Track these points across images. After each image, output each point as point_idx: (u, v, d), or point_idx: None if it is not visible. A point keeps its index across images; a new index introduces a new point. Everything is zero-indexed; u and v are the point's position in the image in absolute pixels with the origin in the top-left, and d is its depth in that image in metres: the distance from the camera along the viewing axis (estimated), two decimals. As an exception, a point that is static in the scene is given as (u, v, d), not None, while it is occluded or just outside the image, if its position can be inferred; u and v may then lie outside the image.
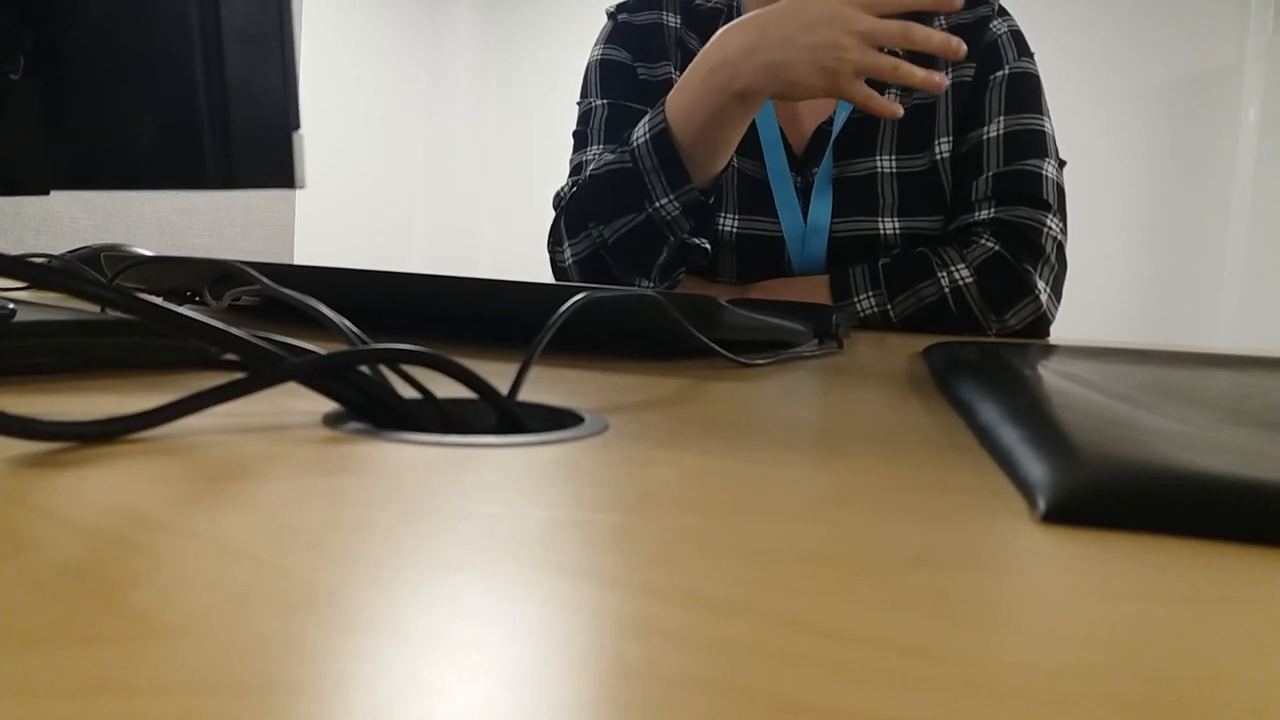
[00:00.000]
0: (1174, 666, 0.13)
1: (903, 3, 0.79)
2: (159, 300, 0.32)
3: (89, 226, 2.12)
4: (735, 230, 1.02)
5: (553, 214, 1.04)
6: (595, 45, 1.07)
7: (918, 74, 0.79)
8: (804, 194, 1.01)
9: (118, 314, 0.26)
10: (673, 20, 1.06)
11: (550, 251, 0.99)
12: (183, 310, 0.25)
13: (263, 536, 0.16)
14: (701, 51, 0.85)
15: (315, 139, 3.83)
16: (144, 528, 0.17)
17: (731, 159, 1.01)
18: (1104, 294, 3.20)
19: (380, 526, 0.17)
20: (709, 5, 1.08)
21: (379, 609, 0.13)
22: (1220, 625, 0.14)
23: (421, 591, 0.14)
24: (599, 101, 1.04)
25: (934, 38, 0.79)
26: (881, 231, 0.98)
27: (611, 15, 1.08)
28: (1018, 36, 1.02)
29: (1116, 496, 0.19)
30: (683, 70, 1.01)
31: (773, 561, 0.16)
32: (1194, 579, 0.17)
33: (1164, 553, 0.18)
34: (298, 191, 3.38)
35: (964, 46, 0.80)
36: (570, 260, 0.94)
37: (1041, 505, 0.20)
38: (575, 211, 0.94)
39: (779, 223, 1.01)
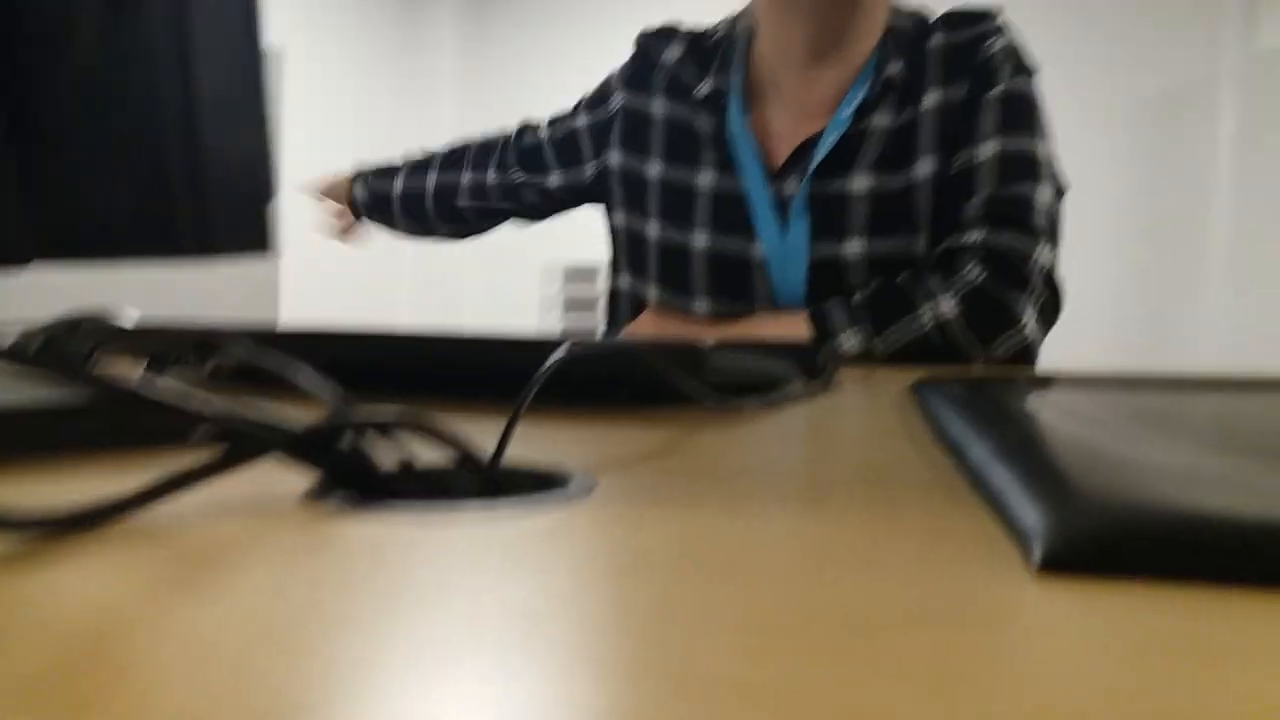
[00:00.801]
0: (1181, 733, 0.12)
1: None
2: (136, 374, 0.32)
3: (76, 289, 2.12)
4: (707, 248, 1.03)
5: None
6: (619, 67, 1.18)
7: None
8: (780, 210, 1.01)
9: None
10: (673, 53, 1.11)
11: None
12: (153, 388, 0.24)
13: (239, 635, 0.16)
14: None
15: (298, 197, 3.84)
16: (118, 627, 0.16)
17: (704, 174, 1.04)
18: (1087, 310, 3.22)
19: (360, 617, 0.17)
20: (713, 35, 1.11)
21: (357, 713, 0.13)
22: (1234, 683, 0.14)
23: (404, 692, 0.14)
24: (578, 110, 1.20)
25: None
26: (847, 254, 0.98)
27: (635, 41, 1.17)
28: (1015, 54, 0.99)
29: (1113, 543, 0.19)
30: (670, 99, 1.09)
31: (768, 631, 0.16)
32: (1201, 631, 0.16)
33: (1167, 602, 0.18)
34: (283, 249, 3.38)
35: None
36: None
37: (1037, 555, 0.19)
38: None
39: (753, 242, 1.01)
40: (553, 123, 1.21)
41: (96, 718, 0.13)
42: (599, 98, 1.17)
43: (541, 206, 1.23)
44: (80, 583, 0.19)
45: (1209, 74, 3.23)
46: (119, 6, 0.25)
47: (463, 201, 1.24)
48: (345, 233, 1.35)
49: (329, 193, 1.35)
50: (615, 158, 1.12)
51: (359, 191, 1.32)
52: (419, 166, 1.28)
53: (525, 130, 1.23)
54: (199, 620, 0.17)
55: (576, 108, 1.19)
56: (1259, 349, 2.90)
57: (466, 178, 1.23)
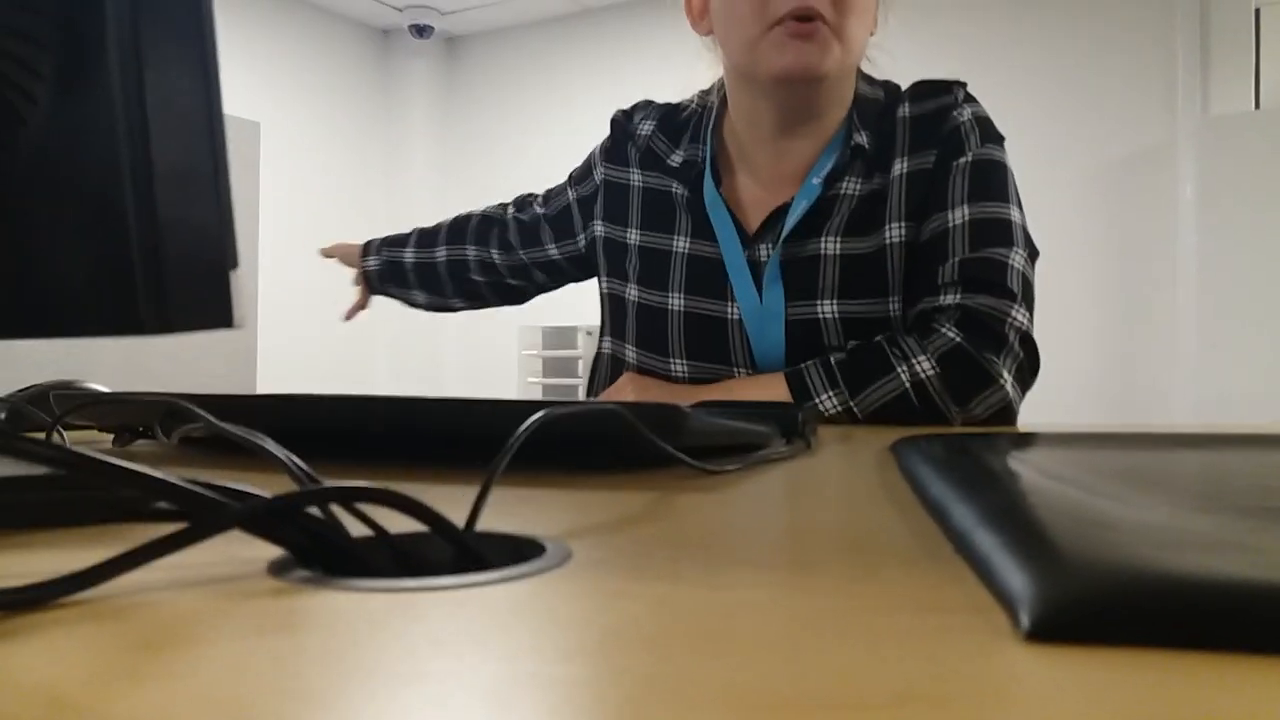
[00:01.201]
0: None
1: None
2: (103, 444, 0.31)
3: (49, 359, 2.09)
4: (683, 310, 1.05)
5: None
6: (600, 144, 1.23)
7: None
8: (756, 274, 1.02)
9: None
10: (646, 127, 1.16)
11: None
12: (114, 460, 0.23)
13: (194, 715, 0.15)
14: None
15: (277, 259, 3.84)
16: (60, 713, 0.15)
17: (680, 240, 1.07)
18: (1058, 372, 3.25)
19: (323, 696, 0.16)
20: (687, 108, 1.14)
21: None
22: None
23: (361, 779, 0.13)
24: (569, 185, 1.23)
25: None
26: (820, 315, 0.99)
27: (612, 120, 1.21)
28: (983, 123, 1.01)
29: (1103, 609, 0.18)
30: (643, 169, 1.16)
31: (748, 710, 0.15)
32: (1194, 698, 0.16)
33: (1156, 670, 0.17)
34: (260, 313, 3.37)
35: None
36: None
37: (1025, 623, 0.19)
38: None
39: (728, 304, 1.02)
40: (548, 198, 1.25)
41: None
42: (584, 172, 1.21)
43: (552, 280, 1.28)
44: (33, 660, 0.18)
45: (1166, 139, 3.32)
46: (72, 80, 0.25)
47: (476, 276, 1.28)
48: (358, 305, 1.36)
49: (341, 259, 1.37)
50: (599, 229, 1.16)
51: (372, 262, 1.33)
52: (427, 237, 1.30)
53: (524, 206, 1.26)
54: (152, 699, 0.16)
55: (567, 182, 1.24)
56: (1228, 403, 2.92)
57: (472, 252, 1.26)
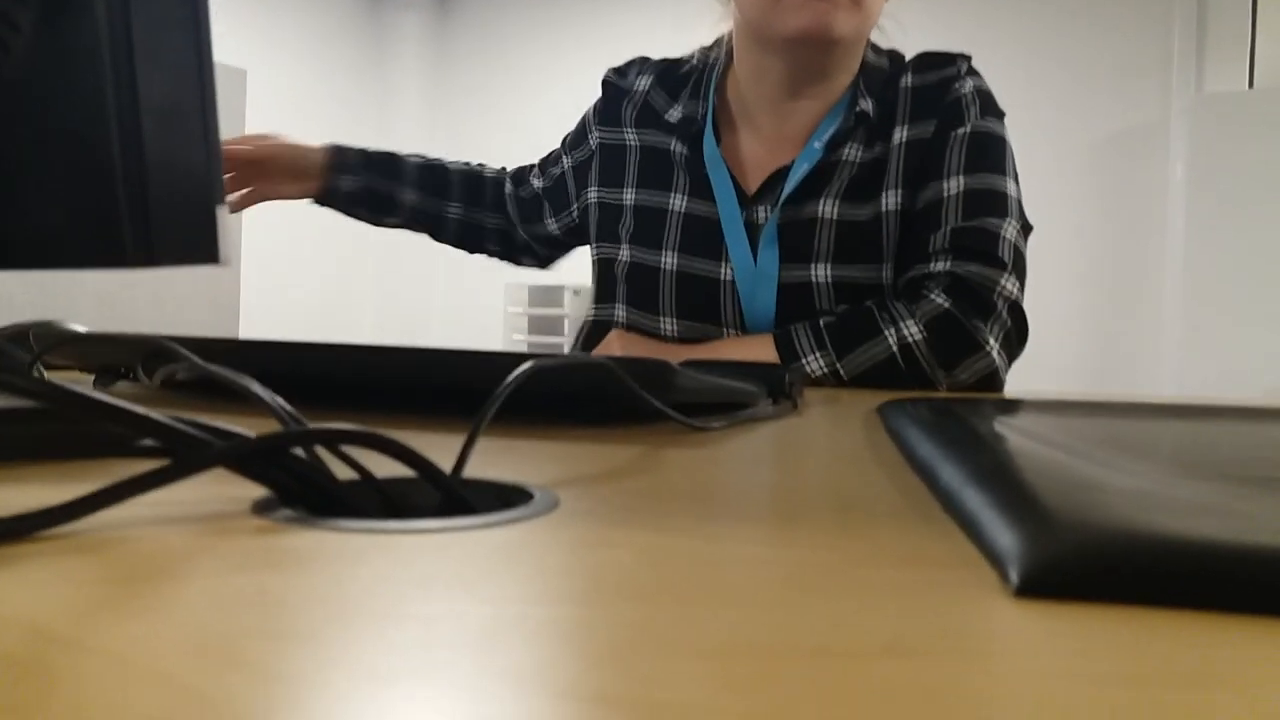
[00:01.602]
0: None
1: None
2: (81, 384, 0.30)
3: (26, 302, 2.07)
4: (675, 268, 1.04)
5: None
6: (593, 105, 1.20)
7: None
8: (752, 236, 1.01)
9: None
10: (642, 84, 1.13)
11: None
12: (98, 395, 0.23)
13: (176, 650, 0.15)
14: None
15: (261, 207, 3.80)
16: (42, 645, 0.15)
17: (676, 197, 1.06)
18: (1046, 346, 3.27)
19: (307, 634, 0.16)
20: (685, 64, 1.12)
21: (298, 737, 0.12)
22: (1212, 707, 0.13)
23: (348, 714, 0.13)
24: (564, 151, 1.20)
25: None
26: (814, 279, 0.99)
27: (602, 82, 1.18)
28: (984, 96, 1.01)
29: (1092, 567, 0.18)
30: (639, 127, 1.12)
31: (733, 657, 0.15)
32: (1179, 655, 0.16)
33: (1143, 627, 0.17)
34: (243, 260, 3.34)
35: None
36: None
37: (1014, 579, 0.19)
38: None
39: (721, 264, 1.02)
40: (544, 169, 1.22)
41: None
42: (579, 137, 1.19)
43: (551, 254, 1.27)
44: (14, 592, 0.17)
45: (1160, 116, 3.31)
46: (58, 8, 0.24)
47: (491, 245, 1.26)
48: (256, 198, 1.16)
49: (278, 155, 1.14)
50: (593, 195, 1.15)
51: (348, 182, 1.16)
52: (433, 181, 1.21)
53: (522, 181, 1.23)
54: (134, 633, 0.15)
55: (562, 149, 1.20)
56: (1213, 379, 2.95)
57: (491, 221, 1.22)
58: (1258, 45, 3.28)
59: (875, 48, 1.07)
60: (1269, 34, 3.26)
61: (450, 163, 1.25)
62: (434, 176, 1.23)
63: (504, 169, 1.27)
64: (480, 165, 1.27)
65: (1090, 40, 3.42)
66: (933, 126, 0.99)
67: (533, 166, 1.24)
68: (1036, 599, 0.19)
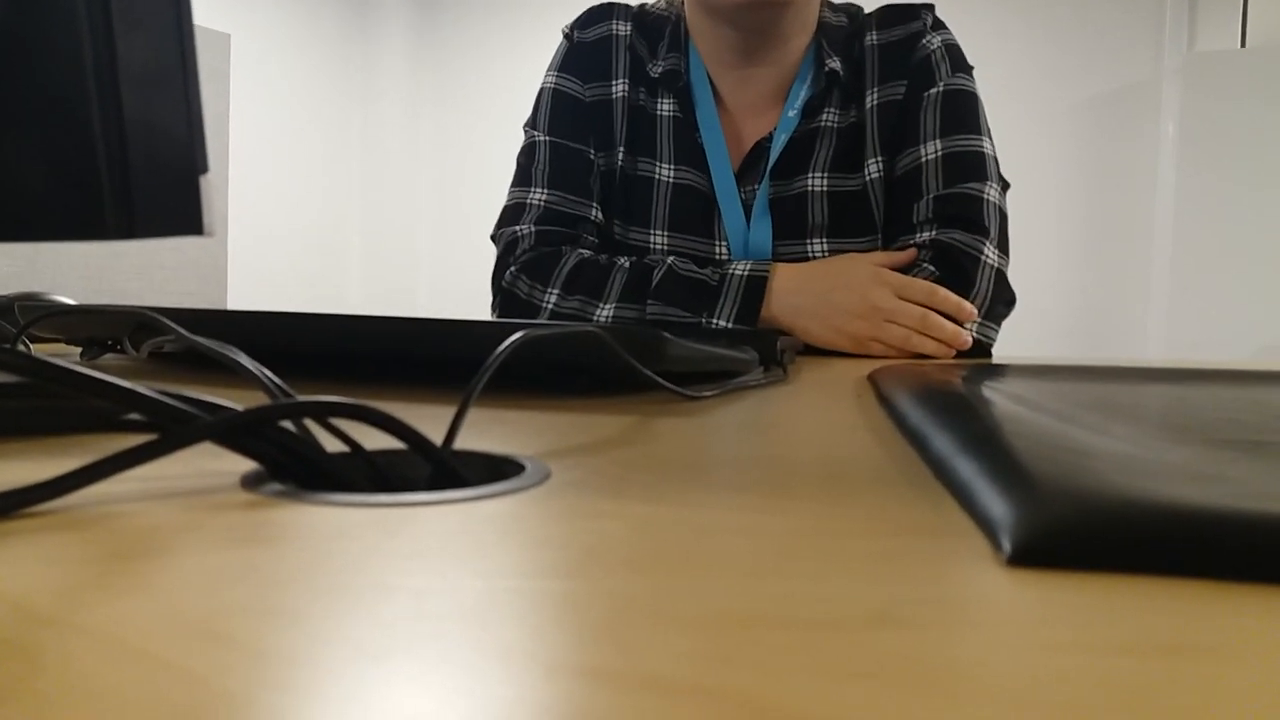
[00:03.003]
0: (1167, 735, 0.12)
1: (930, 299, 0.88)
2: (63, 358, 0.30)
3: (12, 274, 2.05)
4: (664, 248, 1.01)
5: (493, 244, 1.03)
6: (549, 69, 1.06)
7: (941, 336, 0.88)
8: (744, 210, 1.00)
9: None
10: (622, 29, 1.05)
11: (514, 281, 0.97)
12: (83, 369, 0.23)
13: (162, 628, 0.15)
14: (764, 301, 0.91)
15: (247, 176, 3.77)
16: (26, 623, 0.15)
17: (664, 166, 1.01)
18: (1033, 308, 3.28)
19: (295, 610, 0.16)
20: (656, 13, 1.08)
21: (289, 714, 0.12)
22: (1207, 675, 0.14)
23: (340, 689, 0.12)
24: (543, 137, 1.03)
25: (946, 329, 0.87)
26: (810, 254, 0.98)
27: (566, 35, 1.07)
28: (953, 51, 0.99)
29: (1085, 535, 0.18)
30: (630, 79, 1.01)
31: (726, 628, 0.15)
32: (1173, 623, 0.16)
33: (1137, 595, 0.17)
34: (231, 231, 3.31)
35: (969, 341, 0.88)
36: (551, 305, 0.95)
37: (1007, 547, 0.19)
38: (591, 277, 0.94)
39: (714, 244, 1.00)
40: (587, 190, 1.02)
41: (9, 709, 0.12)
42: (578, 119, 1.03)
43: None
44: (-9, 577, 0.17)
45: (1151, 75, 3.29)
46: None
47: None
48: None
49: None
50: (600, 163, 1.04)
51: None
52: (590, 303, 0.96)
53: (590, 231, 1.02)
54: (121, 610, 0.15)
55: (577, 144, 1.03)
56: (1201, 342, 2.96)
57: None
58: (1250, 4, 3.25)
59: (830, 4, 1.05)
60: (1261, -7, 3.24)
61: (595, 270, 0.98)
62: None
63: (593, 238, 1.04)
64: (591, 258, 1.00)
65: None
66: (904, 87, 0.98)
67: (585, 219, 1.02)
68: (1029, 567, 0.19)
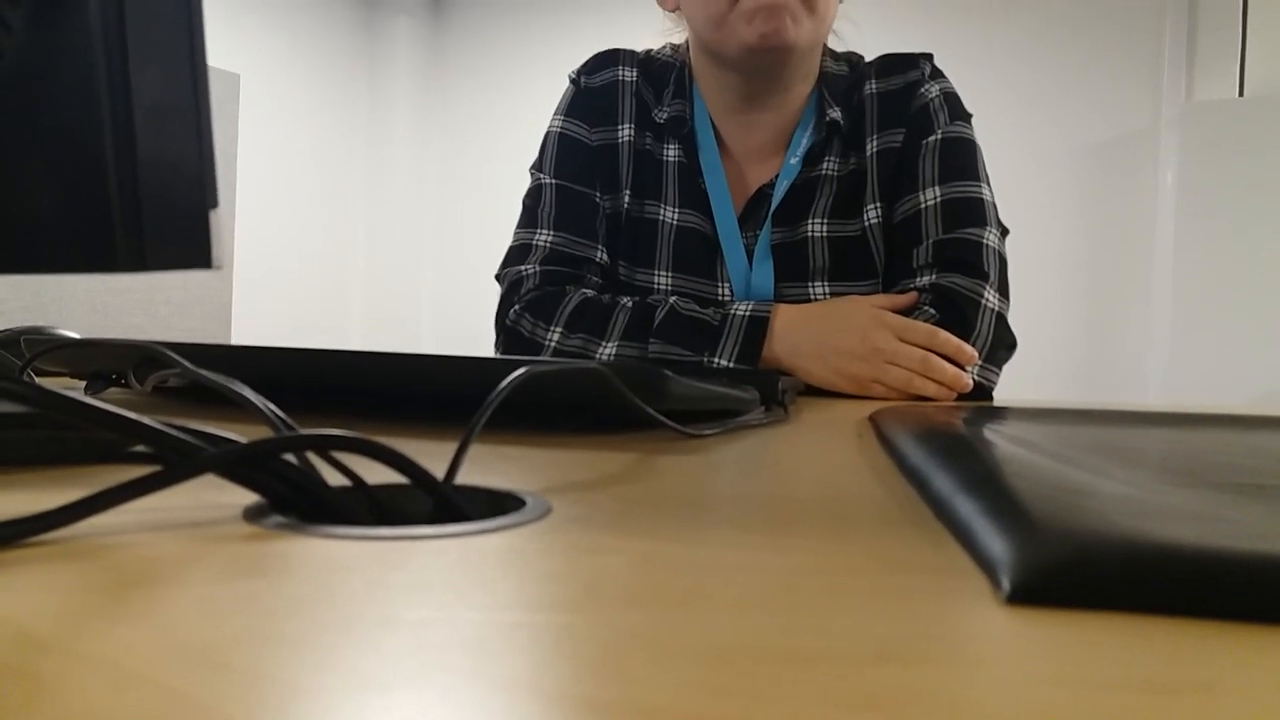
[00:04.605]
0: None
1: (931, 342, 0.88)
2: (72, 390, 0.30)
3: (18, 307, 2.06)
4: (669, 289, 1.02)
5: (497, 284, 1.04)
6: (556, 113, 1.07)
7: (942, 379, 0.88)
8: (746, 255, 1.01)
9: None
10: (629, 75, 1.06)
11: (518, 319, 0.98)
12: (89, 400, 0.23)
13: (164, 656, 0.15)
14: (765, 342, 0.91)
15: (254, 213, 3.80)
16: (29, 651, 0.15)
17: (668, 209, 1.02)
18: (1034, 353, 3.28)
19: (296, 640, 0.16)
20: (661, 59, 1.09)
21: (288, 744, 0.12)
22: (1211, 716, 0.14)
23: (339, 718, 0.13)
24: (549, 180, 1.04)
25: (947, 372, 0.88)
26: (812, 296, 0.99)
27: (573, 80, 1.08)
28: (951, 99, 1.01)
29: (1083, 575, 0.18)
30: (636, 124, 1.02)
31: (727, 662, 0.15)
32: (1173, 664, 0.16)
33: (1135, 634, 0.17)
34: (235, 267, 3.33)
35: (970, 384, 0.89)
36: (554, 343, 0.95)
37: (1006, 586, 0.19)
38: (594, 316, 0.94)
39: (717, 285, 1.01)
40: (589, 234, 1.02)
41: (0, 750, 0.12)
42: (585, 163, 1.04)
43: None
44: (2, 598, 0.17)
45: (1150, 124, 3.33)
46: (50, 6, 0.24)
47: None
48: None
49: None
50: (606, 205, 1.05)
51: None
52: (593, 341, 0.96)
53: (593, 273, 1.02)
54: (124, 639, 0.15)
55: (584, 188, 1.03)
56: (1201, 387, 2.96)
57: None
58: (1248, 54, 3.30)
59: (832, 53, 1.07)
60: (1259, 42, 3.28)
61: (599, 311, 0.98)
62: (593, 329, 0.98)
63: (597, 279, 1.03)
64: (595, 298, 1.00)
65: (1080, 47, 3.44)
66: (902, 135, 0.99)
67: (591, 261, 1.02)
68: (1028, 606, 0.19)
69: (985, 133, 1.02)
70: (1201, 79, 3.32)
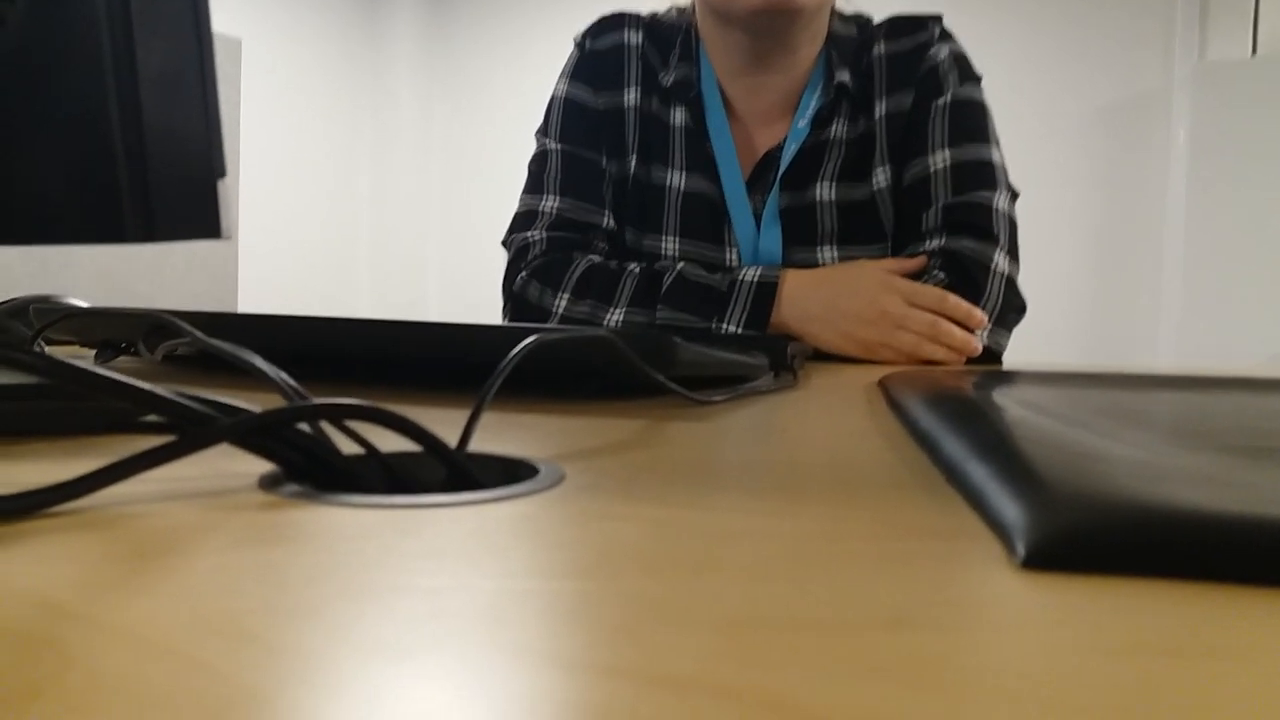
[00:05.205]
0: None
1: (940, 306, 0.87)
2: (82, 360, 0.30)
3: (24, 274, 2.06)
4: (676, 255, 1.01)
5: (504, 250, 1.04)
6: (561, 77, 1.06)
7: (951, 343, 0.88)
8: (754, 219, 1.00)
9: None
10: (634, 38, 1.05)
11: (525, 285, 0.97)
12: (102, 371, 0.23)
13: (185, 626, 0.15)
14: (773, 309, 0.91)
15: (258, 181, 3.79)
16: (54, 620, 0.15)
17: (675, 174, 1.01)
18: (1045, 316, 3.27)
19: (315, 609, 0.16)
20: (667, 22, 1.07)
21: (311, 711, 0.12)
22: (1220, 679, 0.14)
23: (359, 687, 0.13)
24: (555, 145, 1.03)
25: (956, 336, 0.87)
26: (820, 261, 0.98)
27: (578, 44, 1.07)
28: (961, 61, 0.99)
29: (1097, 539, 0.18)
30: (642, 87, 1.02)
31: (744, 631, 0.15)
32: (1188, 628, 0.16)
33: (1149, 598, 0.17)
34: (241, 234, 3.32)
35: (980, 348, 0.88)
36: (561, 310, 0.95)
37: (1021, 551, 0.19)
38: (601, 282, 0.94)
39: (725, 250, 1.00)
40: (594, 199, 1.02)
41: (41, 709, 0.12)
42: (591, 128, 1.03)
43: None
44: (16, 575, 0.17)
45: (1162, 84, 3.29)
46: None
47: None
48: None
49: None
50: (613, 169, 1.04)
51: None
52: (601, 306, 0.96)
53: (600, 238, 1.02)
54: (144, 609, 0.15)
55: (588, 153, 1.03)
56: (1212, 349, 2.95)
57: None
58: (1261, 12, 3.25)
59: (841, 15, 1.05)
60: (1272, 1, 3.23)
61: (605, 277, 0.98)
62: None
63: (604, 245, 1.03)
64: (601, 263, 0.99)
65: (1090, 7, 3.39)
66: (911, 97, 0.98)
67: (597, 228, 1.02)
68: (1042, 571, 0.19)
69: (994, 94, 1.01)
70: (1214, 38, 3.27)
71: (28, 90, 0.26)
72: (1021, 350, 1.02)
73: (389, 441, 0.27)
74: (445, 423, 0.37)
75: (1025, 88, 3.35)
